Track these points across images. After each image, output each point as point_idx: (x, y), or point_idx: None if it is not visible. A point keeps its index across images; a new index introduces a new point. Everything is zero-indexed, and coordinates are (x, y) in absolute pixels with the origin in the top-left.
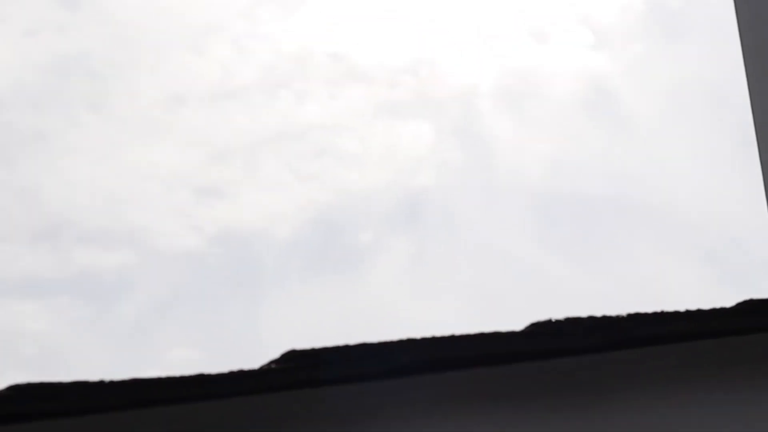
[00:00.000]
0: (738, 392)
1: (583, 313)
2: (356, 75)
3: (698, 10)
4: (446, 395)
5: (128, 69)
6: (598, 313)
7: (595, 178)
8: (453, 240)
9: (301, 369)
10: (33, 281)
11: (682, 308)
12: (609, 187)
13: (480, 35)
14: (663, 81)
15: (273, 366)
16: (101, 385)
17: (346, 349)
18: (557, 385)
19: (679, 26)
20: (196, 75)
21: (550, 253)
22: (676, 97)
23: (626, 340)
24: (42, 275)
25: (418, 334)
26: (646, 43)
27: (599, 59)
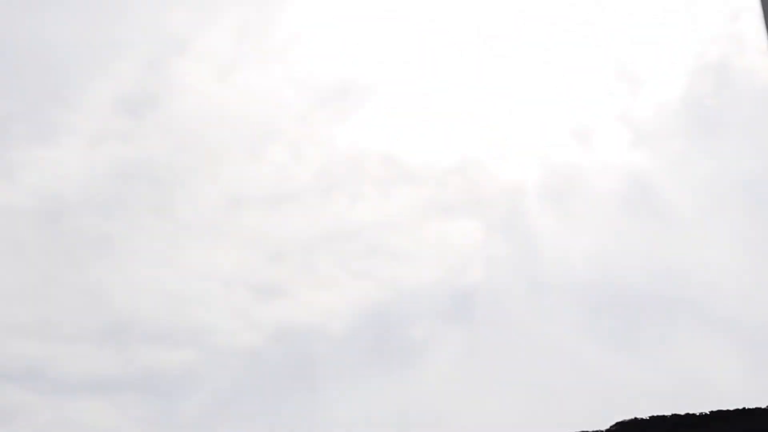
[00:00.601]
0: None
1: (665, 411)
2: (407, 175)
3: (734, 107)
4: None
5: (189, 174)
6: (681, 411)
7: (639, 272)
8: (503, 334)
9: None
10: (100, 379)
11: (763, 405)
12: (652, 280)
13: (524, 134)
14: (702, 176)
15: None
16: None
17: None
18: None
19: (715, 122)
20: (254, 178)
21: (596, 346)
22: (715, 191)
23: None
24: (108, 373)
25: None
26: (684, 139)
27: (639, 156)
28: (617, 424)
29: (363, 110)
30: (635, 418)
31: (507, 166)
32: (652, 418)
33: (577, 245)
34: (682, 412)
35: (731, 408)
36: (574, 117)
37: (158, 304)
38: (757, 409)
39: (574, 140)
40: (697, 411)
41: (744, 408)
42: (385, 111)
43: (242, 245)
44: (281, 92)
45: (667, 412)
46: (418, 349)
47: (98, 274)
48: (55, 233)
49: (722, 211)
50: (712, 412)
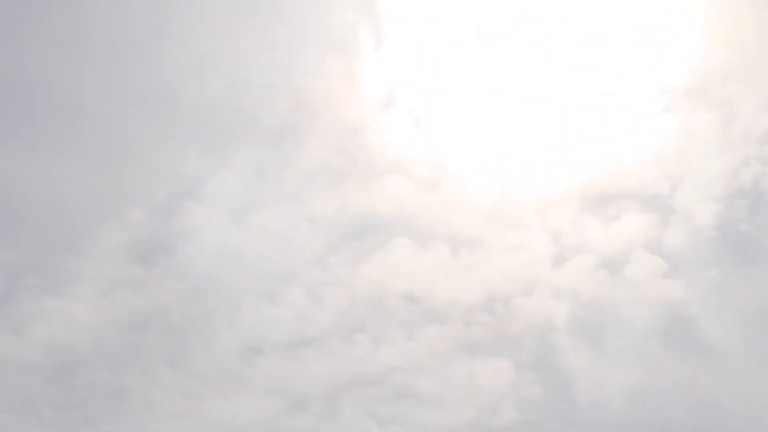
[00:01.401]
0: None
1: None
2: (431, 315)
3: None
4: None
5: (205, 322)
6: None
7: (679, 408)
8: None
9: None
10: None
11: None
12: (691, 416)
13: (552, 268)
14: (740, 305)
15: None
16: None
17: None
18: None
19: (751, 249)
20: (272, 324)
21: None
22: (755, 321)
23: None
24: None
25: None
26: (719, 267)
27: (674, 286)
28: None
29: (382, 250)
30: None
31: (535, 301)
32: None
33: (613, 382)
34: None
35: None
36: (603, 247)
37: None
38: None
39: (604, 271)
40: None
41: None
42: (406, 249)
43: (262, 394)
44: (298, 233)
45: None
46: None
47: (112, 430)
48: (67, 388)
49: (763, 341)
50: None
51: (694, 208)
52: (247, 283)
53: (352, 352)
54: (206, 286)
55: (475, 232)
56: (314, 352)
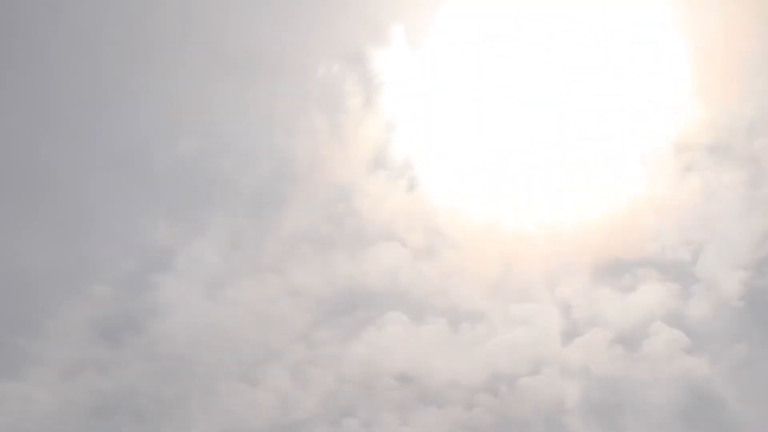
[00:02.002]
0: None
1: None
2: (428, 397)
3: None
4: None
5: (177, 406)
6: None
7: None
8: None
9: None
10: None
11: None
12: None
13: (560, 345)
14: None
15: None
16: None
17: None
18: None
19: None
20: (252, 408)
21: None
22: None
23: None
24: None
25: None
26: (747, 342)
27: (697, 363)
28: None
29: (373, 326)
30: None
31: (543, 381)
32: None
33: None
34: None
35: None
36: (618, 320)
37: None
38: None
39: (619, 347)
40: None
41: None
42: (400, 325)
43: None
44: (280, 308)
45: None
46: None
47: None
48: None
49: None
50: None
51: (718, 276)
52: (225, 363)
53: None
54: (179, 366)
55: (476, 305)
56: None
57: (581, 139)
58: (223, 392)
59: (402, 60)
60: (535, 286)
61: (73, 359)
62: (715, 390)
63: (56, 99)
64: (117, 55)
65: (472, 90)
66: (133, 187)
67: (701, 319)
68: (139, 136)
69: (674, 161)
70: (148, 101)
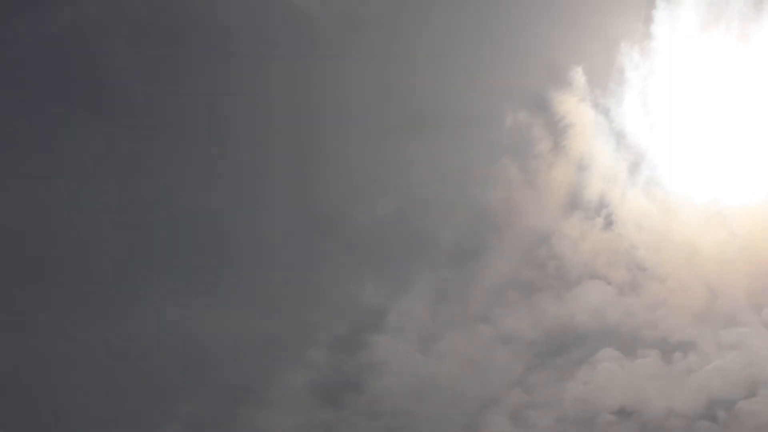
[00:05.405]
0: None
1: None
2: (649, 429)
3: None
4: None
5: None
6: None
7: None
8: None
9: None
10: None
11: None
12: None
13: None
14: None
15: None
16: None
17: None
18: None
19: None
20: None
21: None
22: None
23: None
24: None
25: None
26: None
27: None
28: None
29: (586, 364)
30: None
31: (762, 403)
32: None
33: None
34: None
35: None
36: None
37: None
38: None
39: None
40: None
41: None
42: (613, 361)
43: None
44: (492, 355)
45: None
46: None
47: None
48: None
49: None
50: None
51: None
52: (446, 415)
53: None
54: (402, 422)
55: (685, 334)
56: None
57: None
58: None
59: (585, 100)
60: (742, 310)
61: (298, 425)
62: None
63: (258, 171)
64: (315, 124)
65: (655, 126)
66: (338, 251)
67: None
68: (339, 201)
69: None
70: (344, 165)
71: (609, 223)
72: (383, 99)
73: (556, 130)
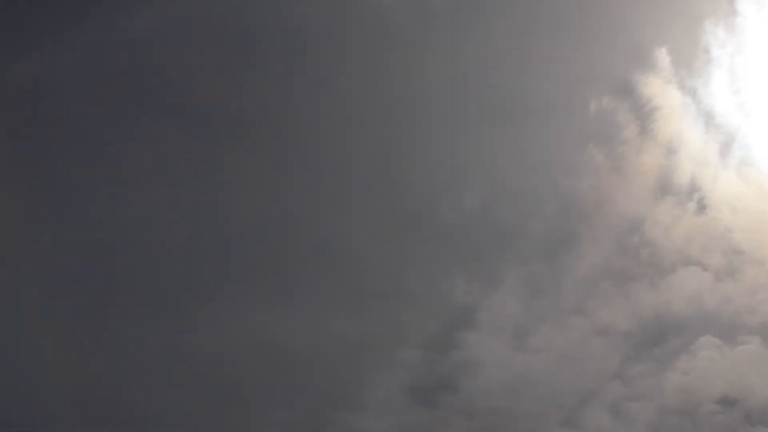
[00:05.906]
0: None
1: None
2: (755, 417)
3: None
4: None
5: None
6: None
7: None
8: None
9: None
10: None
11: None
12: None
13: None
14: None
15: None
16: None
17: None
18: None
19: None
20: None
21: None
22: None
23: None
24: None
25: None
26: None
27: None
28: None
29: (686, 353)
30: None
31: None
32: None
33: None
34: None
35: None
36: None
37: None
38: None
39: None
40: None
41: None
42: (713, 348)
43: None
44: (588, 348)
45: None
46: None
47: None
48: None
49: None
50: None
51: None
52: (544, 411)
53: None
54: (499, 419)
55: None
56: None
57: None
58: None
59: (671, 82)
60: None
61: (393, 427)
62: None
63: (341, 171)
64: (396, 121)
65: (745, 104)
66: (425, 249)
67: None
68: (423, 197)
69: None
70: (427, 161)
71: (702, 207)
72: (463, 91)
73: (643, 114)
